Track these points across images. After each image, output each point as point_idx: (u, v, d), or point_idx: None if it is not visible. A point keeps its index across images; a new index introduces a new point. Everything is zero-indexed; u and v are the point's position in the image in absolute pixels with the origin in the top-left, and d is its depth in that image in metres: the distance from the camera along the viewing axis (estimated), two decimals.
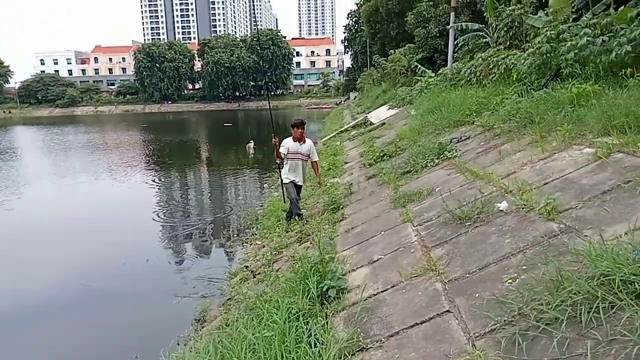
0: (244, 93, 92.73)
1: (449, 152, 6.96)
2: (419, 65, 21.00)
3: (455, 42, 15.43)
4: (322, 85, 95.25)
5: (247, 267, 6.21)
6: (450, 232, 3.95)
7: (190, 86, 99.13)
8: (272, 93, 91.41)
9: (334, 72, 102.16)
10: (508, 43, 11.47)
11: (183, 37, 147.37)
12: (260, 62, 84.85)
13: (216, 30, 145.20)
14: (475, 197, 4.45)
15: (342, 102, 65.25)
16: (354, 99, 54.64)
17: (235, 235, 8.72)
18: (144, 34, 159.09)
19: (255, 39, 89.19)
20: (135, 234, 9.70)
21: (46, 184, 16.18)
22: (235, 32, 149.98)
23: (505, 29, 11.48)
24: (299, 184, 7.15)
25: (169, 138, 31.63)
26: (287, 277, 4.06)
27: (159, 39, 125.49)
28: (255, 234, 8.12)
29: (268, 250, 6.31)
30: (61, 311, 6.28)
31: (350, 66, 73.67)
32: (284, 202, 7.66)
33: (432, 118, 9.92)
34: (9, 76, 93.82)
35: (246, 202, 11.84)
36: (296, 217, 6.99)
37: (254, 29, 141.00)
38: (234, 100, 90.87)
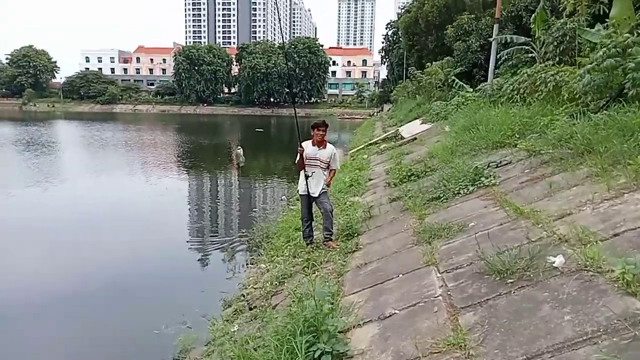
0: (278, 100, 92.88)
1: (487, 178, 6.00)
2: (457, 80, 19.95)
3: (497, 57, 14.42)
4: (356, 95, 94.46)
5: (244, 295, 5.46)
6: (486, 290, 3.07)
7: (226, 90, 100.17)
8: (306, 101, 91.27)
9: (369, 83, 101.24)
10: (557, 59, 10.41)
11: (223, 41, 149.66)
12: (288, 66, 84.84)
13: (255, 36, 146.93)
14: (519, 242, 3.55)
15: (375, 113, 64.29)
16: (387, 110, 53.66)
17: (242, 253, 7.99)
18: (185, 36, 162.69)
19: (290, 46, 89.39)
20: (141, 239, 9.14)
21: (77, 180, 16.32)
22: (275, 38, 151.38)
23: (555, 43, 10.44)
24: (314, 195, 6.00)
25: (201, 140, 31.67)
26: (277, 329, 3.27)
27: (200, 41, 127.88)
28: (262, 255, 7.27)
29: (269, 279, 5.53)
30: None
31: (386, 77, 72.64)
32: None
33: (468, 137, 8.93)
34: (55, 72, 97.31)
35: (264, 215, 11.06)
36: (304, 240, 6.18)
37: (291, 35, 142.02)
38: (268, 106, 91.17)
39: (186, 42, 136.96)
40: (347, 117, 74.24)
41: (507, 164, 6.50)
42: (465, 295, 3.12)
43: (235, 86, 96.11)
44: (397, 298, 3.53)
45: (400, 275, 3.97)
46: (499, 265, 3.21)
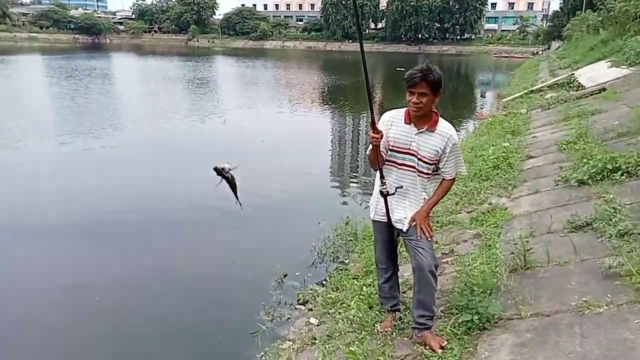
0: (427, 35, 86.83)
1: None
2: None
3: None
4: (518, 31, 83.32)
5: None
6: None
7: (372, 25, 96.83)
8: (458, 37, 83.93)
9: (535, 17, 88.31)
10: None
11: None
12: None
13: None
14: None
15: (540, 52, 55.96)
16: (556, 49, 46.07)
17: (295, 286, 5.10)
18: None
19: None
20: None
21: (234, 112, 17.16)
22: None
23: None
24: (400, 228, 3.08)
25: (342, 81, 30.85)
26: None
27: None
28: (318, 299, 4.44)
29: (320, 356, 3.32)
30: None
31: (559, 9, 62.37)
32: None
33: None
34: (215, 8, 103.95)
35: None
36: (381, 304, 3.55)
37: None
38: (415, 42, 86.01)
39: None
40: (505, 55, 66.29)
41: None
42: None
43: (382, 21, 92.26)
44: None
45: None
46: None
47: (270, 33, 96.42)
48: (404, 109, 3.03)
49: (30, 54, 49.79)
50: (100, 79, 27.40)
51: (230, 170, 2.89)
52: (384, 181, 2.99)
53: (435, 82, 2.81)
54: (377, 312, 3.67)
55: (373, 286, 4.11)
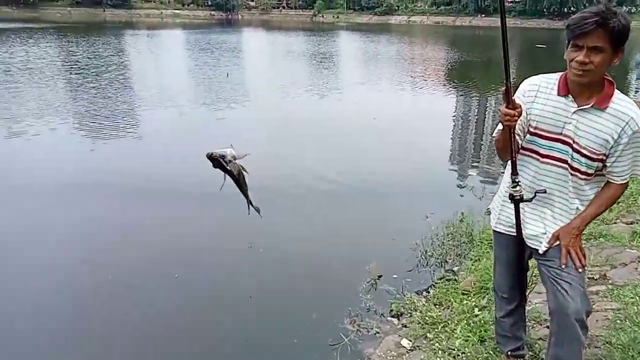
0: (574, 9, 76.75)
1: None
2: None
3: None
4: None
5: None
6: None
7: None
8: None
9: None
10: None
11: None
12: None
13: None
14: None
15: None
16: None
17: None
18: None
19: None
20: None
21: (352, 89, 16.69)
22: None
23: None
24: (535, 245, 2.17)
25: (472, 57, 28.45)
26: None
27: None
28: (415, 314, 3.59)
29: None
30: None
31: None
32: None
33: None
34: None
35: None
36: (498, 343, 2.66)
37: None
38: (559, 17, 76.69)
39: None
40: None
41: None
42: None
43: None
44: None
45: None
46: None
47: (397, 7, 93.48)
48: (556, 75, 2.07)
49: (173, 28, 54.21)
50: (229, 52, 28.65)
51: (234, 159, 1.86)
52: (516, 179, 2.07)
53: (619, 33, 1.81)
54: (490, 352, 2.78)
55: (489, 310, 3.19)
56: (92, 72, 17.75)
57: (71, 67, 18.97)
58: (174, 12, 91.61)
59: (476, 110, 14.36)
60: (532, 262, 2.39)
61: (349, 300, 4.04)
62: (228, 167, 1.84)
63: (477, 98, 15.74)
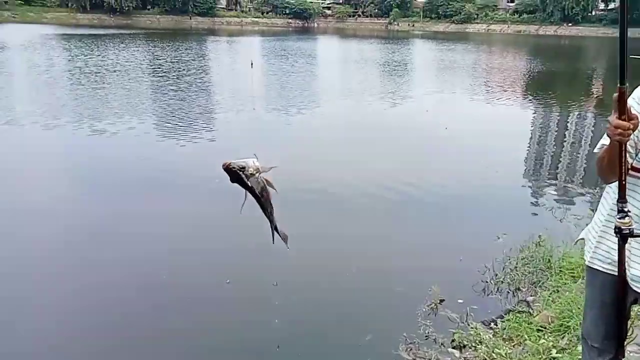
0: None
1: None
2: None
3: None
4: None
5: None
6: None
7: (601, 5, 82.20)
8: None
9: None
10: None
11: None
12: None
13: None
14: None
15: None
16: None
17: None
18: None
19: None
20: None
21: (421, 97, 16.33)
22: None
23: None
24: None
25: (555, 68, 26.71)
26: None
27: None
28: (480, 348, 3.20)
29: None
30: None
31: None
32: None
33: None
34: None
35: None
36: None
37: None
38: None
39: None
40: None
41: None
42: None
43: (615, 0, 77.66)
44: None
45: None
46: None
47: (476, 15, 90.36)
48: None
49: (252, 36, 56.13)
50: (304, 57, 29.05)
51: (258, 172, 1.43)
52: (625, 207, 1.65)
53: None
54: None
55: (570, 353, 2.76)
56: (172, 75, 18.68)
57: (154, 70, 20.12)
58: (254, 20, 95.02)
59: (556, 124, 13.28)
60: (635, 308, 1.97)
61: (406, 324, 3.71)
62: (249, 183, 1.43)
63: (559, 111, 14.56)
